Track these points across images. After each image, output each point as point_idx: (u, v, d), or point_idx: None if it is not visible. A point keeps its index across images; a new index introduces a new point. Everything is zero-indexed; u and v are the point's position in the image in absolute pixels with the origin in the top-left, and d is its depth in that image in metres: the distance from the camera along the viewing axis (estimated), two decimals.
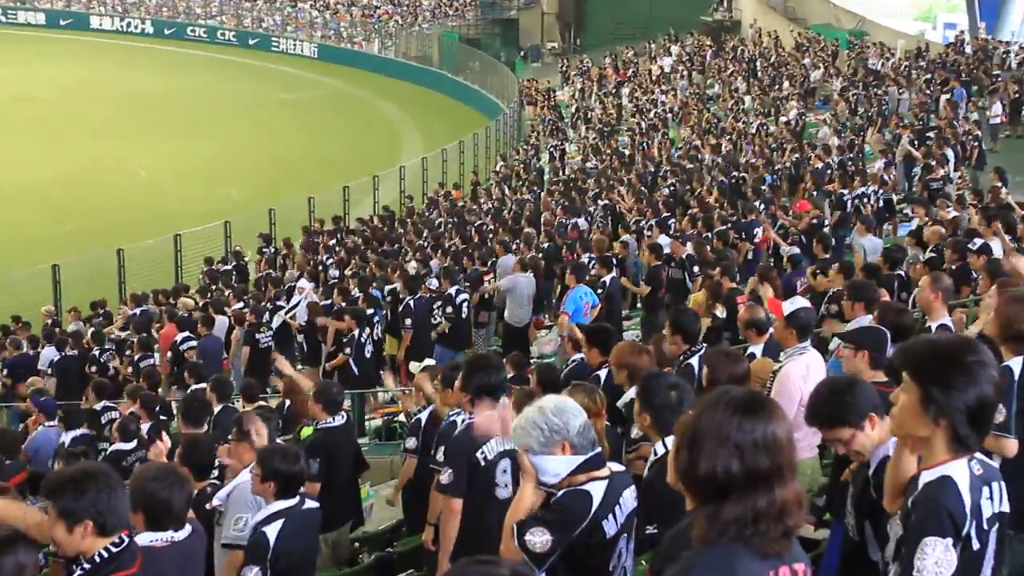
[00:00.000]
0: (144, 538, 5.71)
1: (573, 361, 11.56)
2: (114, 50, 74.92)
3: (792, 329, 8.62)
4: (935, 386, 4.07)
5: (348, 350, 18.08)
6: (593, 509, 5.19)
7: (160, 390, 16.97)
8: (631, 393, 8.61)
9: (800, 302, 8.99)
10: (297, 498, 7.38)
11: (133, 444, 12.90)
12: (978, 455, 4.19)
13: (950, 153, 27.47)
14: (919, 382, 4.13)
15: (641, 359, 8.72)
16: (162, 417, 14.49)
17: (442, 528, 7.57)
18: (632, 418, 7.31)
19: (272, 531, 7.11)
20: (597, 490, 5.22)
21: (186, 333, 19.70)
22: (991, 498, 4.19)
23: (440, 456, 8.05)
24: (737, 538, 3.46)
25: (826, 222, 21.69)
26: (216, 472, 8.83)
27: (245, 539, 7.47)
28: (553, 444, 5.17)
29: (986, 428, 4.17)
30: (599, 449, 5.33)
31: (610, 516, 5.25)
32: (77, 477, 5.19)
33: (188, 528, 5.92)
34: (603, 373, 9.93)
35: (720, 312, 14.74)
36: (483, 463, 7.31)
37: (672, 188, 28.90)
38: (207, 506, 8.06)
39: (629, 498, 5.41)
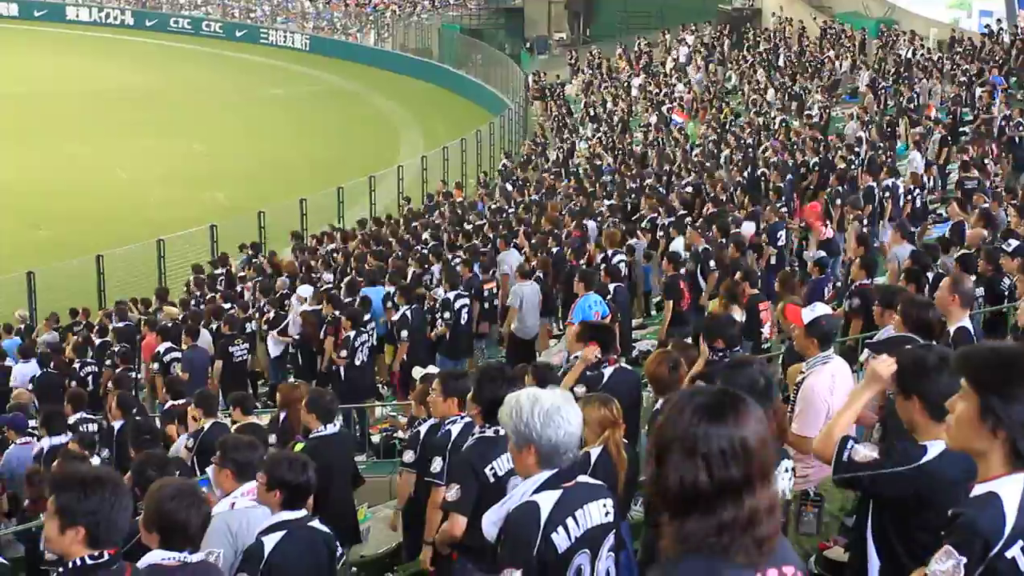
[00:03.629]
0: (155, 556, 5.88)
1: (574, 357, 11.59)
2: (92, 43, 75.07)
3: (813, 338, 8.59)
4: (995, 395, 4.04)
5: (343, 352, 18.10)
6: (542, 522, 5.25)
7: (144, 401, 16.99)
8: (659, 405, 8.69)
9: (821, 309, 8.95)
10: (304, 512, 7.36)
11: (99, 460, 12.91)
12: None
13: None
14: (978, 390, 4.10)
15: (661, 368, 8.92)
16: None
17: (438, 544, 7.56)
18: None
19: (270, 541, 7.08)
20: (546, 501, 5.29)
21: (168, 344, 19.71)
22: None
23: (436, 467, 8.08)
24: (700, 550, 3.43)
25: (865, 221, 21.71)
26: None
27: None
28: (522, 444, 5.37)
29: None
30: (572, 463, 5.43)
31: (560, 529, 5.30)
32: (87, 479, 5.26)
33: (202, 554, 6.05)
34: (608, 371, 10.22)
35: (739, 315, 14.73)
36: (492, 480, 7.31)
37: (689, 186, 28.95)
38: None
39: (596, 512, 5.45)
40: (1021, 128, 30.37)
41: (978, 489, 4.15)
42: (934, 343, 8.68)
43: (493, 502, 7.21)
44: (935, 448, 5.46)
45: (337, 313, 19.27)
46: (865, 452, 5.61)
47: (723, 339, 9.95)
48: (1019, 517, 4.07)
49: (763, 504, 3.48)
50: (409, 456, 10.50)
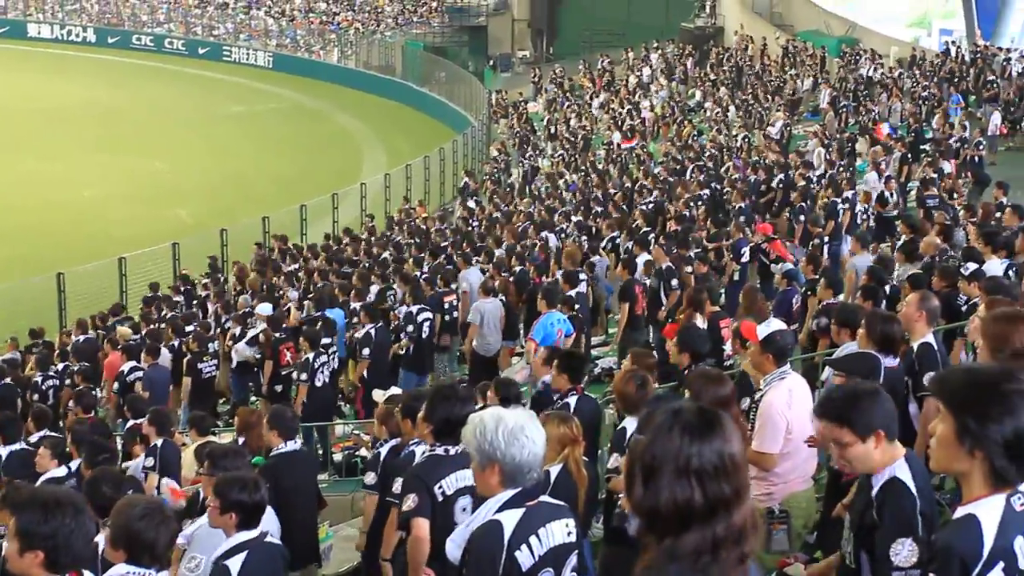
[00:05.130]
0: (121, 569, 5.93)
1: (543, 383, 11.60)
2: (54, 60, 74.56)
3: (768, 354, 8.61)
4: (971, 416, 4.09)
5: (303, 375, 18.07)
6: (506, 540, 5.29)
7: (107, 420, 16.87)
8: (626, 423, 8.70)
9: (776, 324, 8.97)
10: (258, 531, 7.35)
11: (65, 471, 12.79)
12: (1022, 488, 4.19)
13: (946, 166, 27.72)
14: (954, 412, 4.15)
15: (631, 387, 8.93)
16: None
17: (410, 556, 7.54)
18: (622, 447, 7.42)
19: (235, 564, 7.09)
20: (510, 520, 5.32)
21: (133, 363, 19.60)
22: None
23: (398, 488, 8.08)
24: (692, 570, 3.45)
25: (826, 239, 21.83)
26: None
27: None
28: (485, 463, 5.37)
29: None
30: (534, 483, 5.45)
31: (524, 547, 5.34)
32: (48, 501, 5.25)
33: (167, 573, 6.07)
34: (572, 400, 10.11)
35: (701, 323, 14.79)
36: (441, 498, 7.30)
37: (652, 204, 29.06)
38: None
39: (559, 531, 5.47)
40: (981, 147, 30.61)
41: (959, 512, 4.21)
42: (896, 360, 8.76)
43: (441, 520, 7.22)
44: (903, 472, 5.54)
45: (279, 335, 19.35)
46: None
47: (690, 353, 10.03)
48: (998, 538, 4.12)
49: (747, 518, 3.53)
50: (371, 478, 10.46)
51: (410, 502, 7.36)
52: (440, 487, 7.32)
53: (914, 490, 5.45)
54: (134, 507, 6.14)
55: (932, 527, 5.36)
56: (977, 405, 4.09)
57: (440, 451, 7.35)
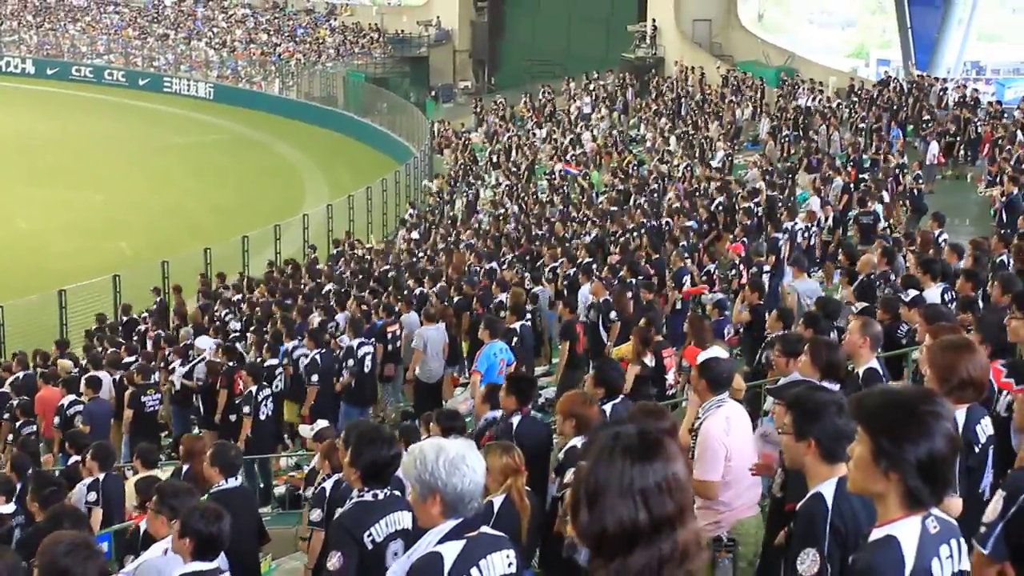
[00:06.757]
0: None
1: (487, 419, 11.59)
2: None
3: (703, 379, 8.65)
4: (885, 437, 4.12)
5: (246, 408, 17.95)
6: (446, 572, 5.26)
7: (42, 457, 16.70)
8: (575, 441, 8.70)
9: (715, 351, 9.02)
10: (215, 564, 7.33)
11: (13, 507, 12.67)
12: (936, 512, 4.25)
13: (885, 195, 28.03)
14: (870, 433, 4.18)
15: (591, 410, 8.90)
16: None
17: None
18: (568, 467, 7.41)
19: None
20: (450, 551, 5.30)
21: (72, 396, 19.40)
22: (951, 556, 4.26)
23: (316, 517, 7.99)
24: None
25: (766, 268, 21.95)
26: None
27: None
28: (426, 493, 5.35)
29: (943, 483, 4.19)
30: (475, 513, 5.45)
31: None
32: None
33: None
34: (516, 420, 10.20)
35: (649, 360, 14.85)
36: (371, 546, 7.09)
37: (594, 234, 29.19)
38: None
39: (499, 563, 5.46)
40: (920, 180, 30.91)
41: (876, 533, 4.22)
42: (838, 386, 8.83)
43: (373, 569, 7.08)
44: (827, 488, 5.57)
45: (233, 364, 19.23)
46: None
47: (605, 388, 10.06)
48: (918, 559, 4.14)
49: (691, 537, 3.55)
50: (316, 515, 10.31)
51: (335, 561, 7.08)
52: (369, 535, 7.07)
53: (830, 503, 5.50)
54: (59, 543, 6.07)
55: (846, 545, 5.40)
56: (892, 427, 4.12)
57: (368, 496, 7.10)
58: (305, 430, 12.12)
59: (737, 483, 8.40)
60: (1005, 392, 8.10)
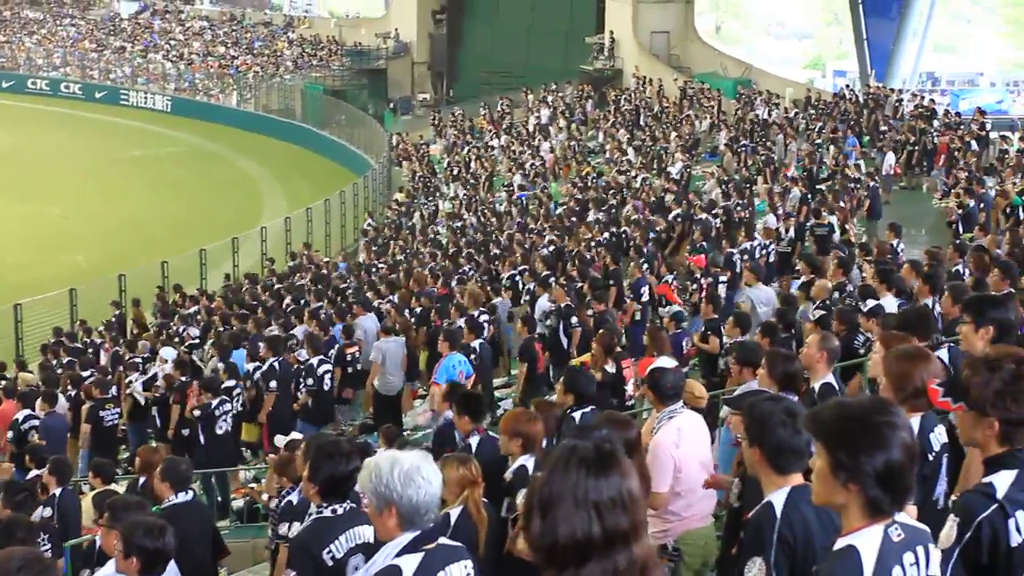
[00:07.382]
0: None
1: (448, 418, 11.55)
2: None
3: (650, 390, 8.66)
4: (842, 450, 4.16)
5: (197, 412, 17.94)
6: None
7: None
8: (523, 460, 8.68)
9: (664, 362, 9.00)
10: None
11: None
12: (900, 519, 4.27)
13: (841, 203, 28.22)
14: (827, 446, 4.22)
15: (536, 426, 8.83)
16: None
17: None
18: (519, 487, 7.39)
19: None
20: (409, 564, 5.31)
21: (28, 411, 19.26)
22: (916, 563, 4.28)
23: (284, 531, 7.93)
24: None
25: (721, 279, 22.00)
26: None
27: None
28: (382, 506, 5.34)
29: (903, 490, 4.21)
30: (432, 525, 5.44)
31: None
32: None
33: None
34: (475, 441, 10.06)
35: (611, 367, 14.87)
36: (331, 563, 6.99)
37: (552, 245, 29.22)
38: None
39: (458, 573, 5.46)
40: (878, 191, 31.07)
41: (839, 543, 4.26)
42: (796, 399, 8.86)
43: None
44: (777, 497, 5.59)
45: (185, 379, 19.17)
46: None
47: (575, 396, 10.06)
48: (877, 569, 4.17)
49: (646, 552, 3.58)
50: (284, 528, 10.24)
51: None
52: (329, 551, 6.97)
53: (779, 512, 5.50)
54: (11, 559, 6.01)
55: (795, 555, 5.42)
56: (848, 439, 4.16)
57: (328, 512, 7.01)
58: (280, 440, 12.07)
59: (689, 493, 8.42)
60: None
